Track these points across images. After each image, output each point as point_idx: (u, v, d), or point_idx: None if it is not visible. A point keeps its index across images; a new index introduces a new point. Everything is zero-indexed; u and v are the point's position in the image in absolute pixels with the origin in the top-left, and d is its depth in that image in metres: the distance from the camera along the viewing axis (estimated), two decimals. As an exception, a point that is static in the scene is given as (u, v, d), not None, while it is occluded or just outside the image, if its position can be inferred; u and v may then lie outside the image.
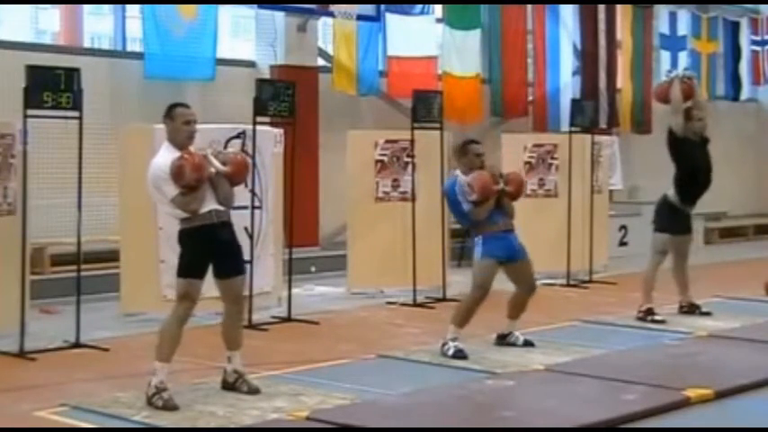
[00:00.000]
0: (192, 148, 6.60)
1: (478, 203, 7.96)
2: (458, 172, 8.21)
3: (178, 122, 6.61)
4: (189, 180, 6.37)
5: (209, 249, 6.55)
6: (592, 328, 9.48)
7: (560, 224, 12.36)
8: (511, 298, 8.35)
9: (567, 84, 16.49)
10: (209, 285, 6.73)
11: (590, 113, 12.77)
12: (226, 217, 6.66)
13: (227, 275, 6.66)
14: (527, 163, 12.57)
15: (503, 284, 8.37)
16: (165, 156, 6.50)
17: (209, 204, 6.53)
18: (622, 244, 15.02)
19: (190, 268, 6.52)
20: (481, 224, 8.06)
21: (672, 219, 9.76)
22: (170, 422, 6.08)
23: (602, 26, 16.89)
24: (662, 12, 18.28)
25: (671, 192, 9.78)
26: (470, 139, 8.53)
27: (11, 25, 12.24)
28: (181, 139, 6.58)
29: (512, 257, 8.10)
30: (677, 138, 9.62)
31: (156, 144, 9.06)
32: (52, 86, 8.19)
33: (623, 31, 17.49)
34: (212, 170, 6.55)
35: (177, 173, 6.36)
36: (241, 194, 8.19)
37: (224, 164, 6.65)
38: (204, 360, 7.47)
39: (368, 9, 13.47)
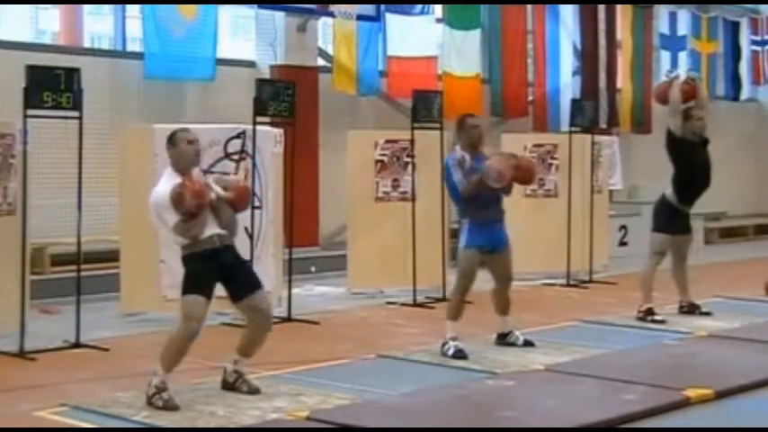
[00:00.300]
0: (195, 171, 6.55)
1: (498, 189, 7.93)
2: (457, 147, 8.20)
3: (181, 145, 6.53)
4: (189, 206, 6.30)
5: (214, 272, 6.49)
6: (592, 328, 9.48)
7: (560, 224, 12.36)
8: (492, 295, 8.34)
9: (567, 84, 16.50)
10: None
11: (590, 113, 12.77)
12: (228, 241, 6.60)
13: (245, 295, 6.60)
14: (527, 163, 12.54)
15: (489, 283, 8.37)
16: (167, 183, 6.43)
17: (211, 229, 6.48)
18: (622, 244, 15.02)
19: (195, 286, 6.44)
20: (471, 208, 8.03)
21: (670, 219, 9.75)
22: (170, 422, 6.08)
23: (602, 26, 16.90)
24: (662, 12, 18.29)
25: (669, 191, 9.76)
26: (466, 113, 8.52)
27: (11, 25, 12.24)
28: (186, 161, 6.51)
29: (494, 248, 8.08)
30: (675, 138, 9.61)
31: (157, 144, 9.10)
32: (52, 86, 8.18)
33: (623, 31, 17.50)
34: (213, 195, 6.51)
35: (177, 200, 6.28)
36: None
37: (225, 189, 6.63)
38: (204, 360, 7.46)
39: (368, 9, 13.47)
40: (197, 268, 6.46)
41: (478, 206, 7.99)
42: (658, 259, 9.82)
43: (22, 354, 7.98)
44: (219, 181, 6.79)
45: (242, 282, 6.62)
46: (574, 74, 16.73)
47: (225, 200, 6.57)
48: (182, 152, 6.53)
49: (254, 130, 9.61)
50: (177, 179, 6.41)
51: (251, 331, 6.75)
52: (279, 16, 13.26)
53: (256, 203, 9.69)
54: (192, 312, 6.40)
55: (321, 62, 13.91)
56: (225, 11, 13.11)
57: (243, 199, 6.80)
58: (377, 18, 13.76)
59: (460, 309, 8.06)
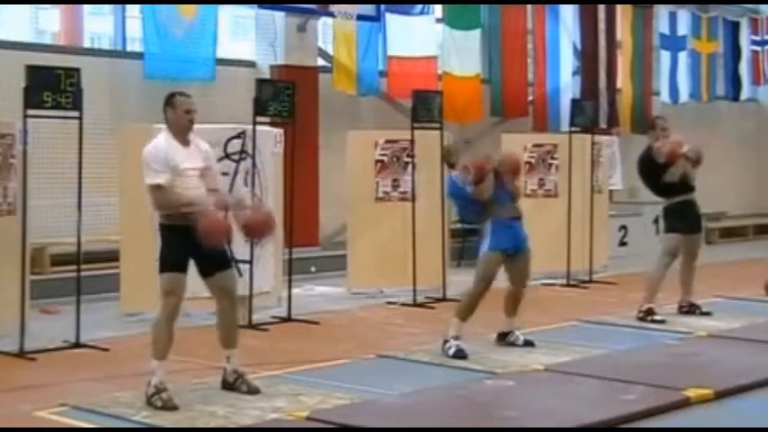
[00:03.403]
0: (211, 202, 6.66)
1: (477, 183, 7.99)
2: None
3: (180, 111, 6.71)
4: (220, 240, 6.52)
5: (187, 247, 6.51)
6: (592, 328, 9.48)
7: (560, 224, 12.36)
8: (506, 295, 8.36)
9: (567, 84, 16.49)
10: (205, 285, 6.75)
11: (590, 113, 12.78)
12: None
13: (211, 273, 6.66)
14: (527, 163, 12.55)
15: (500, 282, 8.36)
16: (159, 142, 6.66)
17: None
18: (622, 244, 15.02)
19: (170, 262, 6.51)
20: (490, 207, 8.07)
21: (681, 217, 9.77)
22: (170, 422, 6.09)
23: (602, 26, 16.90)
24: (662, 12, 18.28)
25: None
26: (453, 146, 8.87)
27: (11, 25, 12.24)
28: (179, 127, 6.69)
29: (517, 249, 8.13)
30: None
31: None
32: (52, 86, 8.19)
33: (623, 31, 17.50)
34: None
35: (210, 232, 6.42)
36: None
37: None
38: (204, 360, 7.47)
39: (368, 9, 13.48)
40: (171, 244, 6.53)
41: (495, 203, 8.05)
42: (669, 261, 9.79)
43: (22, 354, 7.98)
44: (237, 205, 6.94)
45: (210, 259, 6.64)
46: (574, 74, 16.72)
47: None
48: (178, 117, 6.71)
49: (254, 130, 9.61)
50: (172, 141, 6.64)
51: (220, 322, 6.78)
52: (279, 16, 13.25)
53: (256, 203, 9.70)
54: (172, 288, 6.48)
55: (321, 62, 13.91)
56: (225, 11, 13.11)
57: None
58: (377, 18, 13.76)
59: (472, 311, 8.07)
